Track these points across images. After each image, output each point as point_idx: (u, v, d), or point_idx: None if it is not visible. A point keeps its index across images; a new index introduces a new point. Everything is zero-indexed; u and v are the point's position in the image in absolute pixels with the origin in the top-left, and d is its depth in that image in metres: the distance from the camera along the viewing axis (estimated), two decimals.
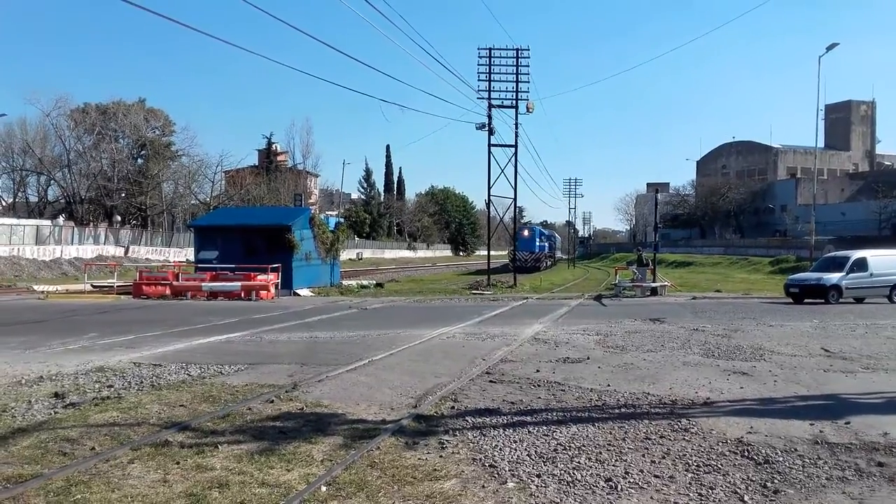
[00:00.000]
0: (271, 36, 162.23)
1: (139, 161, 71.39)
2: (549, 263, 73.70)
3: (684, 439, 6.71)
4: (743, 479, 5.63)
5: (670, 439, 6.70)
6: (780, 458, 6.13)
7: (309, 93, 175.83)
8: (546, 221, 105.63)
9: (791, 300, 25.21)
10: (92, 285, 29.62)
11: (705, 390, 9.02)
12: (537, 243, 68.05)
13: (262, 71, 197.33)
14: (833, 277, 24.86)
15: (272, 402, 8.16)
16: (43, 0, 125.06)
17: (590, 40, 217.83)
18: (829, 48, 42.17)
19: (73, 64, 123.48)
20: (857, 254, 25.75)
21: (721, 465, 5.96)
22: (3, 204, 66.76)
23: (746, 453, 6.27)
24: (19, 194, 69.49)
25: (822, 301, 24.33)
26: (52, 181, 68.13)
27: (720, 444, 6.56)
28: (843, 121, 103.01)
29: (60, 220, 57.52)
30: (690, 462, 6.01)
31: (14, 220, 51.52)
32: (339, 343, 13.63)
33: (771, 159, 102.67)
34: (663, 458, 6.14)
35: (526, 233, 63.32)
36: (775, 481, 5.59)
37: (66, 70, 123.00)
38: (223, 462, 5.88)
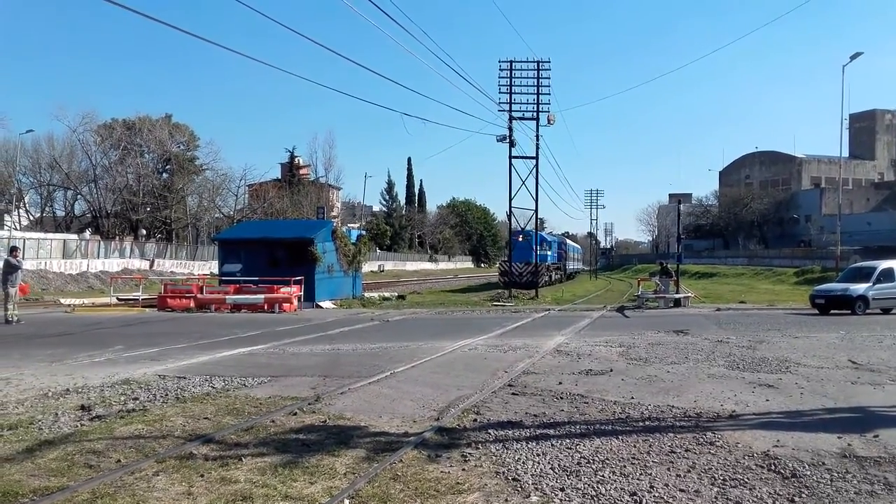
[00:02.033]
0: (294, 51, 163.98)
1: (164, 175, 72.36)
2: (555, 276, 60.97)
3: (710, 453, 6.64)
4: (770, 493, 5.55)
5: (695, 453, 6.63)
6: (808, 472, 6.04)
7: (331, 107, 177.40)
8: (568, 232, 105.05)
9: (817, 311, 24.89)
10: (118, 298, 29.92)
11: (731, 403, 8.93)
12: (539, 252, 53.48)
13: (285, 85, 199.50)
14: (859, 288, 24.52)
15: (295, 414, 8.19)
16: (70, 17, 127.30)
17: (612, 53, 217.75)
18: (853, 57, 41.89)
19: (99, 80, 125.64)
20: (883, 264, 25.39)
21: (747, 479, 5.88)
22: (31, 218, 67.83)
23: (773, 467, 6.19)
24: (46, 209, 70.66)
25: (849, 312, 23.99)
26: (78, 196, 69.23)
27: (746, 457, 6.48)
28: (867, 130, 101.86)
29: (87, 234, 58.40)
30: (716, 476, 5.94)
31: (41, 235, 52.36)
32: (362, 355, 13.66)
33: (795, 169, 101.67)
34: (689, 471, 6.08)
35: (521, 238, 50.92)
36: (803, 496, 5.51)
37: (93, 86, 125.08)
38: (247, 475, 5.90)
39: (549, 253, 58.49)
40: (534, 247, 47.15)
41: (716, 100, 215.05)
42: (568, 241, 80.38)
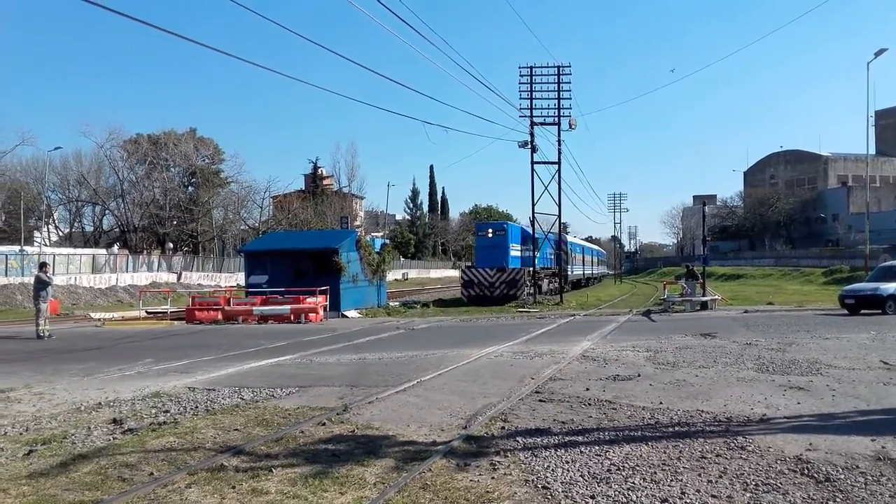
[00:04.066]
0: (316, 62, 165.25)
1: (190, 189, 73.26)
2: (549, 285, 42.78)
3: (741, 458, 6.58)
4: (804, 498, 5.49)
5: (727, 458, 6.58)
6: (842, 476, 5.97)
7: (354, 117, 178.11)
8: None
9: (846, 311, 24.54)
10: (146, 311, 30.27)
11: (761, 406, 8.84)
12: (519, 252, 39.87)
13: (307, 97, 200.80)
14: (890, 287, 24.14)
15: (324, 424, 8.23)
16: (94, 35, 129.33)
17: (632, 56, 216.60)
18: (878, 54, 41.33)
19: (124, 96, 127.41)
20: None
21: (780, 483, 5.82)
22: (60, 234, 68.95)
23: (806, 471, 6.12)
24: (75, 224, 71.77)
25: (879, 312, 23.63)
26: (106, 211, 70.31)
27: (778, 462, 6.42)
28: (893, 126, 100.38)
29: (115, 248, 59.20)
30: (748, 481, 5.89)
31: (71, 250, 53.16)
32: (388, 364, 13.69)
33: (821, 168, 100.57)
34: (720, 477, 6.02)
35: (490, 234, 38.40)
36: (837, 500, 5.44)
37: (119, 102, 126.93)
38: (277, 486, 5.95)
39: (532, 255, 40.29)
40: (509, 245, 36.60)
41: (738, 100, 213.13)
42: (574, 240, 60.38)
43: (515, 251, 38.94)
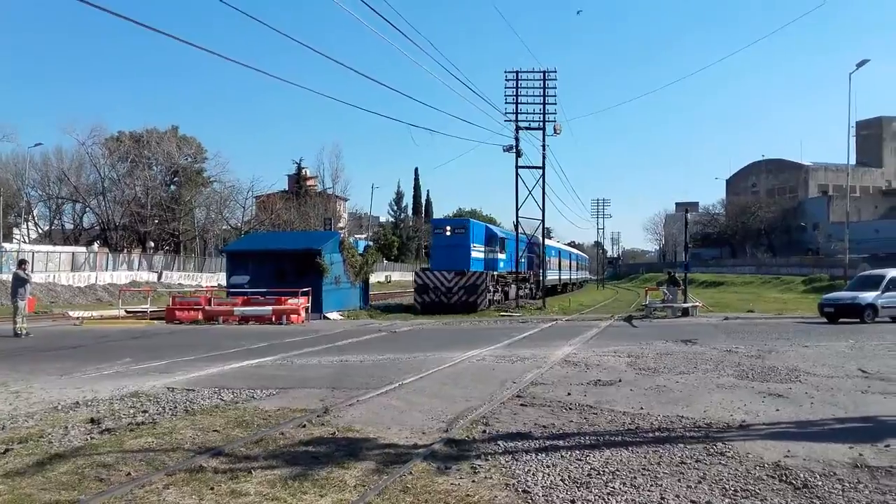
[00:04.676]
0: (301, 63, 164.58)
1: (172, 188, 72.76)
2: (521, 291, 39.29)
3: (720, 463, 6.61)
4: None
5: (706, 463, 6.61)
6: (820, 483, 6.01)
7: (339, 118, 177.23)
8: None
9: (825, 320, 24.79)
10: (126, 311, 30.00)
11: (740, 413, 8.90)
12: (484, 254, 35.34)
13: (291, 97, 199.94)
14: (868, 296, 24.43)
15: (304, 426, 8.19)
16: (77, 32, 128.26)
17: (617, 63, 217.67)
18: (860, 65, 41.75)
19: (107, 93, 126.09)
20: (892, 272, 25.30)
21: (759, 489, 5.86)
22: (40, 231, 68.23)
23: (784, 478, 6.16)
24: (55, 222, 71.05)
25: (858, 321, 23.89)
26: (87, 208, 69.69)
27: (757, 468, 6.46)
28: (874, 137, 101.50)
29: (95, 246, 58.63)
30: (727, 487, 5.92)
31: (50, 248, 52.60)
32: (370, 366, 13.66)
33: (802, 177, 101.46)
34: (699, 482, 6.05)
35: (448, 232, 33.78)
36: None
37: (101, 99, 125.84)
38: (257, 487, 5.91)
39: (499, 257, 36.77)
40: (470, 245, 32.09)
41: (722, 109, 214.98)
42: (552, 243, 55.65)
43: (478, 252, 34.33)
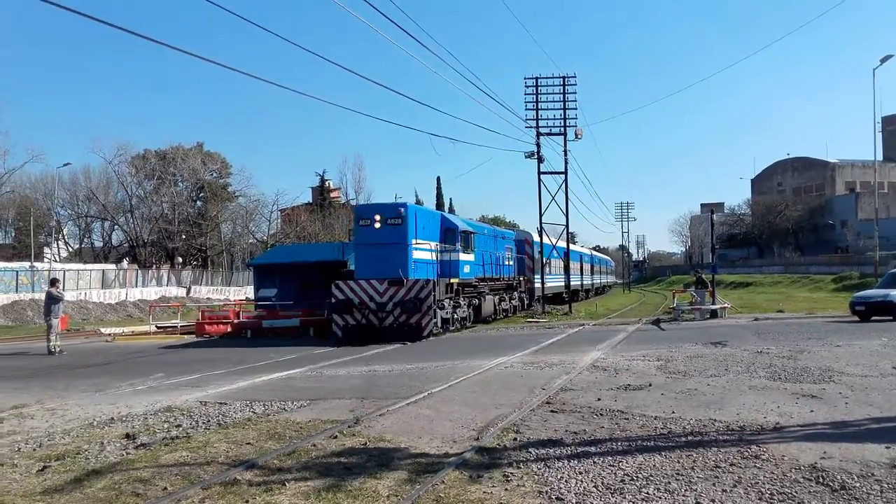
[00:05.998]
0: (321, 76, 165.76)
1: (198, 203, 73.61)
2: (503, 304, 31.64)
3: (755, 466, 6.55)
4: None
5: (741, 467, 6.55)
6: (857, 484, 5.94)
7: (361, 130, 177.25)
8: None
9: (857, 318, 24.41)
10: (156, 326, 30.33)
11: (774, 415, 8.80)
12: (418, 255, 23.07)
13: (314, 110, 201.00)
14: None
15: (336, 437, 8.24)
16: (100, 52, 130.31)
17: (638, 65, 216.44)
18: (884, 60, 41.21)
19: (132, 112, 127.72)
20: None
21: (795, 492, 5.80)
22: (70, 250, 69.32)
23: (821, 479, 6.09)
24: (85, 240, 72.16)
25: (890, 318, 23.48)
26: (115, 226, 70.71)
27: (793, 470, 6.39)
28: None
29: (124, 263, 59.51)
30: (763, 490, 5.86)
31: (81, 266, 53.46)
32: (398, 376, 13.69)
33: (828, 174, 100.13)
34: (734, 486, 6.00)
35: (378, 223, 22.51)
36: None
37: (127, 118, 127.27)
38: (291, 499, 5.96)
39: (461, 258, 25.45)
40: (410, 242, 22.31)
41: (745, 108, 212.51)
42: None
43: (424, 252, 23.55)
